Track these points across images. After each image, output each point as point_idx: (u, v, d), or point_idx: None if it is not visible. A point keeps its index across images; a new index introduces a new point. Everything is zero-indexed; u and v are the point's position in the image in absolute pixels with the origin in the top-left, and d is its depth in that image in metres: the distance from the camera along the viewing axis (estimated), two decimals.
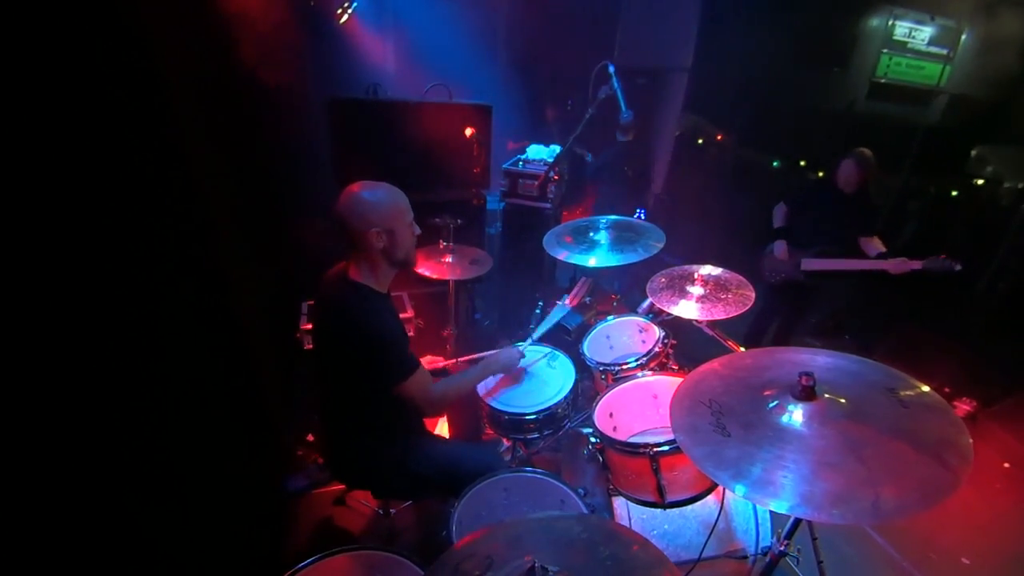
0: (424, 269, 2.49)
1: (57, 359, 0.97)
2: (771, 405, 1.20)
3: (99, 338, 1.07)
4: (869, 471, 1.03)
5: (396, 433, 1.80)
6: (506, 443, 2.32)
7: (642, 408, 2.03)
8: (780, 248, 3.31)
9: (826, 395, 1.18)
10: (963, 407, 3.01)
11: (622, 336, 2.53)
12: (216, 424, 1.63)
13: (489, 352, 2.17)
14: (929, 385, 1.22)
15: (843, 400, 1.18)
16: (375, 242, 1.61)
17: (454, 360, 2.27)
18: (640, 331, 2.47)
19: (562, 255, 2.46)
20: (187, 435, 1.40)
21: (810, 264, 3.15)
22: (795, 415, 1.16)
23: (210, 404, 1.60)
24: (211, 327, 1.65)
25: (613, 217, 2.63)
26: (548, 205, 3.40)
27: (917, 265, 2.78)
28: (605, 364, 2.23)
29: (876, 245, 3.12)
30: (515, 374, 2.23)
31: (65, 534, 0.98)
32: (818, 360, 1.34)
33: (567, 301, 2.57)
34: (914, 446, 1.07)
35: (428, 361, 2.22)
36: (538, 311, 3.21)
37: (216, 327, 1.68)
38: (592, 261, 2.39)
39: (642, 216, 2.89)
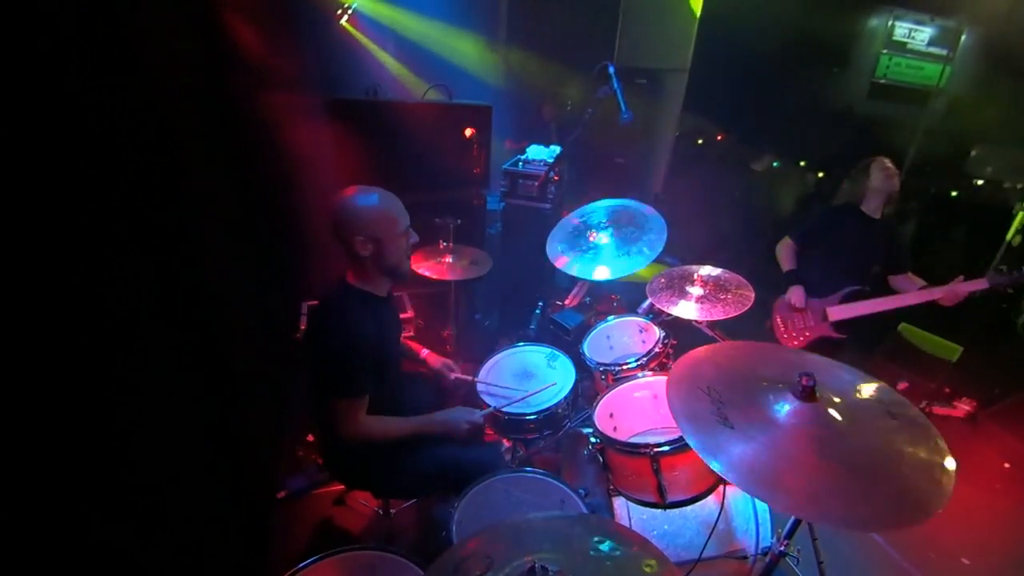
0: (424, 269, 2.49)
1: (36, 362, 0.94)
2: (770, 405, 1.20)
3: (87, 336, 1.06)
4: (867, 474, 1.03)
5: None
6: (506, 443, 2.32)
7: (642, 408, 2.03)
8: (797, 295, 2.55)
9: (825, 396, 1.18)
10: (963, 407, 3.01)
11: (622, 336, 2.53)
12: (206, 426, 1.61)
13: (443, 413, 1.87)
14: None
15: (839, 400, 1.18)
16: (360, 249, 1.60)
17: (466, 364, 2.24)
18: (640, 331, 2.47)
19: (561, 261, 2.43)
20: (175, 437, 1.38)
21: (838, 312, 2.46)
22: (794, 415, 1.16)
23: (200, 405, 1.57)
24: (201, 327, 1.62)
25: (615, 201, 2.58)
26: (548, 205, 3.40)
27: (981, 284, 2.20)
28: (605, 364, 2.23)
29: (913, 282, 2.47)
30: (459, 435, 1.84)
31: (54, 543, 0.96)
32: (810, 361, 1.35)
33: (567, 301, 2.55)
34: (906, 457, 1.07)
35: (439, 359, 2.19)
36: (538, 311, 3.21)
37: (206, 327, 1.66)
38: (598, 273, 2.35)
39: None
